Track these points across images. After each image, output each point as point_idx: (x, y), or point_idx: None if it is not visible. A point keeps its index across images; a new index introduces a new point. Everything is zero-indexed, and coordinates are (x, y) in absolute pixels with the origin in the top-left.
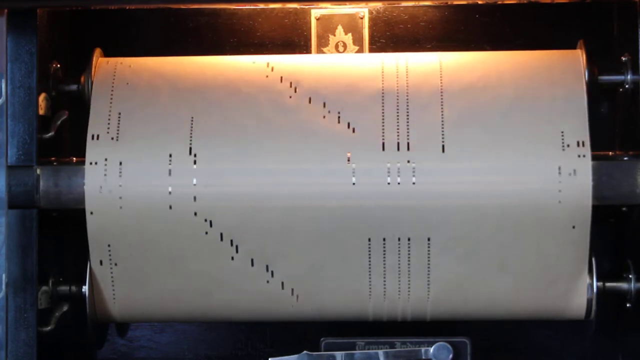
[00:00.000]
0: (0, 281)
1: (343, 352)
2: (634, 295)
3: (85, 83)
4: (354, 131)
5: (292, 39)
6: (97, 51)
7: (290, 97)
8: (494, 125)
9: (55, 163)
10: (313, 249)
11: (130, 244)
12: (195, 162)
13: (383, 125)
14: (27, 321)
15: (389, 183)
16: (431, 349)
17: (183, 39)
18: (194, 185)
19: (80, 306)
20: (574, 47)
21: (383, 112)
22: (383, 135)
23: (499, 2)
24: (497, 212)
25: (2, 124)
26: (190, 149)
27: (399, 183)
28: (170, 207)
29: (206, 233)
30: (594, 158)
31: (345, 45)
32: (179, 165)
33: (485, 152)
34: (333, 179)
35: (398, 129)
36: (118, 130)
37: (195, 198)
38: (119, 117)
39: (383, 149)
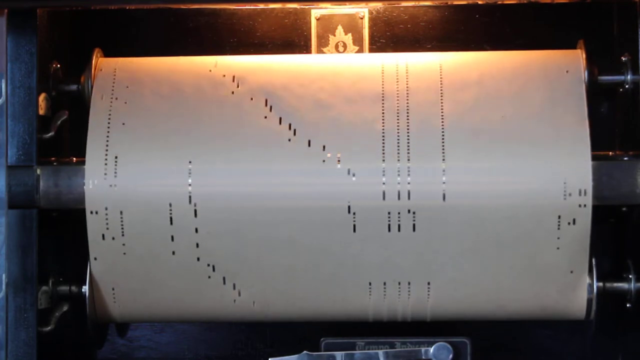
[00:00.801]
0: (0, 281)
1: (343, 352)
2: (634, 295)
3: (85, 83)
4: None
5: (292, 39)
6: (97, 51)
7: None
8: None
9: (55, 163)
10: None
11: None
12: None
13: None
14: (27, 321)
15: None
16: (431, 349)
17: (183, 39)
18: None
19: (80, 306)
20: (574, 47)
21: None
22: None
23: (499, 2)
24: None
25: (2, 124)
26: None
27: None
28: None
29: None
30: (594, 158)
31: (345, 45)
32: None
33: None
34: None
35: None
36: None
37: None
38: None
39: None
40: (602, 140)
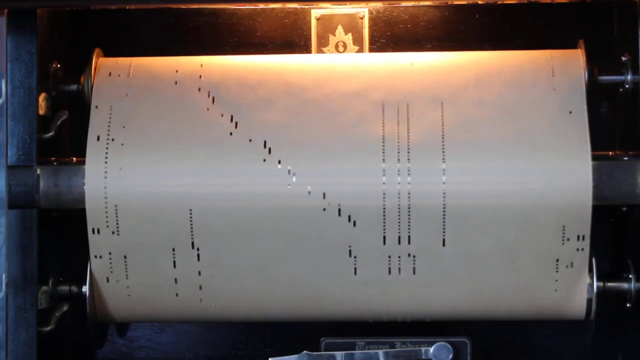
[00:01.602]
0: (0, 281)
1: (343, 352)
2: (634, 295)
3: (85, 83)
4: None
5: (292, 39)
6: (97, 51)
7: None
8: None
9: (55, 163)
10: None
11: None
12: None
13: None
14: (27, 321)
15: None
16: (431, 349)
17: (183, 39)
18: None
19: (80, 306)
20: (574, 47)
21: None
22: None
23: (499, 2)
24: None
25: (2, 124)
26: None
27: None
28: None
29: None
30: (594, 158)
31: (345, 45)
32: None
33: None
34: None
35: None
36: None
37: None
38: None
39: None
40: (602, 140)
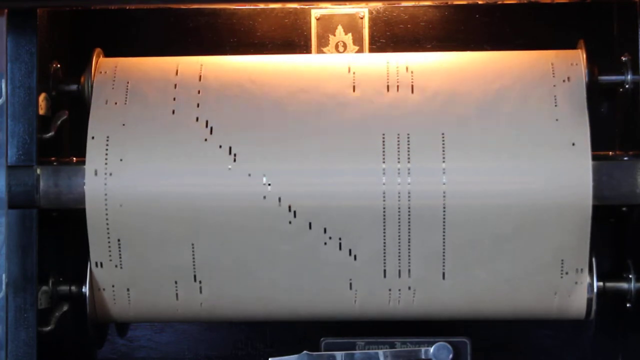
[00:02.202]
0: (0, 281)
1: (343, 352)
2: (634, 295)
3: (85, 83)
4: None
5: (292, 39)
6: (97, 51)
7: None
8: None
9: (55, 163)
10: None
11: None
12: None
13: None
14: (27, 321)
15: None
16: (431, 349)
17: (183, 39)
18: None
19: (80, 306)
20: (574, 47)
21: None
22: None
23: (499, 2)
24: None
25: (2, 124)
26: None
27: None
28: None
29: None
30: (594, 158)
31: (345, 45)
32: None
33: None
34: None
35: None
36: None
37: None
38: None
39: None
40: (602, 140)
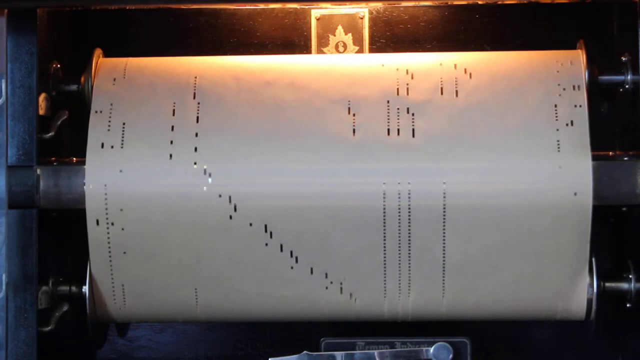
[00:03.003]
0: (0, 281)
1: (343, 352)
2: (634, 295)
3: (85, 83)
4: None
5: (292, 39)
6: (97, 51)
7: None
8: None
9: (55, 163)
10: None
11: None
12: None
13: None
14: (27, 321)
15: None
16: (431, 349)
17: (183, 39)
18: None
19: (80, 306)
20: (574, 47)
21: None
22: None
23: (499, 2)
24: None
25: (2, 124)
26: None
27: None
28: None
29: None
30: (594, 158)
31: (345, 46)
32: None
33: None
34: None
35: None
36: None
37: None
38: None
39: None
40: (602, 140)
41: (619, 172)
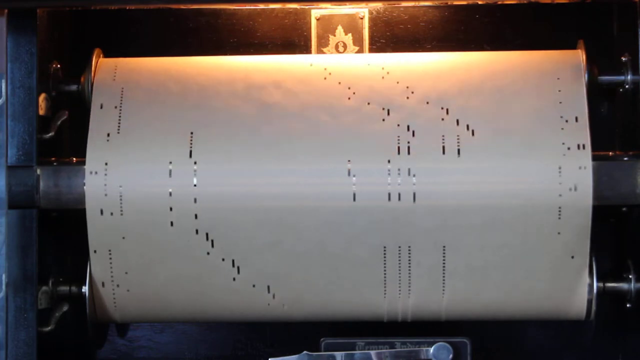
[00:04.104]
0: (0, 281)
1: (343, 352)
2: (634, 295)
3: (85, 83)
4: None
5: (292, 39)
6: (97, 51)
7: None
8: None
9: (55, 163)
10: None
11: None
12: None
13: None
14: (27, 321)
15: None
16: (431, 349)
17: (183, 39)
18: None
19: (80, 306)
20: (574, 47)
21: None
22: None
23: (499, 2)
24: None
25: (2, 124)
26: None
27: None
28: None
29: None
30: (594, 158)
31: (345, 46)
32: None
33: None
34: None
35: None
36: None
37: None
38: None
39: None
40: (602, 140)
41: (619, 172)
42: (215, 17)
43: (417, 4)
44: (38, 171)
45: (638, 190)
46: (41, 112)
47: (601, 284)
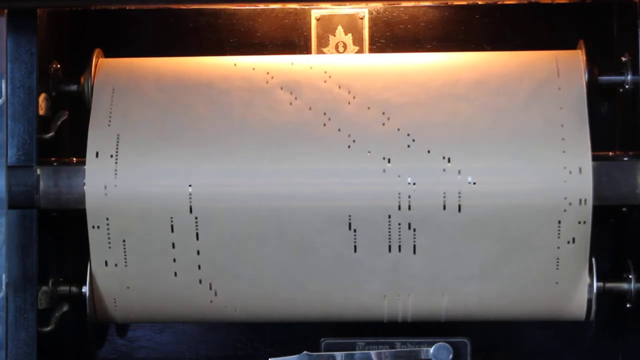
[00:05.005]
0: (0, 281)
1: (343, 352)
2: (634, 295)
3: (85, 83)
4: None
5: (292, 39)
6: (97, 51)
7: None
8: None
9: (55, 163)
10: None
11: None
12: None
13: None
14: (27, 321)
15: None
16: (431, 349)
17: (183, 39)
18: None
19: (80, 306)
20: (574, 47)
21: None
22: None
23: (499, 2)
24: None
25: (2, 124)
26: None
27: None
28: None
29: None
30: (594, 158)
31: (345, 46)
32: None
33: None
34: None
35: None
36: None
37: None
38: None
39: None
40: (602, 140)
41: (619, 172)
42: (215, 17)
43: (417, 4)
44: (38, 171)
45: (638, 190)
46: (41, 112)
47: (601, 284)
